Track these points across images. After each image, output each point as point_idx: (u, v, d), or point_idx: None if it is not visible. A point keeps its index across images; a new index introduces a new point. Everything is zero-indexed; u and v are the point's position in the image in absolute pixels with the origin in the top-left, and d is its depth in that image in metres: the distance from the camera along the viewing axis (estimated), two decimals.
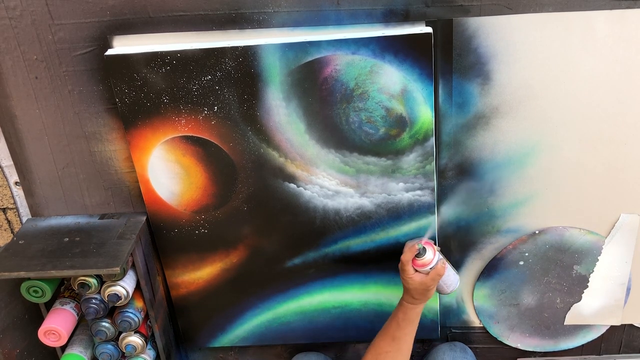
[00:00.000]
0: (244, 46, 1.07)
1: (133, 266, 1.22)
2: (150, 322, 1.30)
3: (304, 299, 1.34)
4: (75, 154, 1.22)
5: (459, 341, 1.43)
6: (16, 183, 1.26)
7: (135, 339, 1.27)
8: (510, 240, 1.27)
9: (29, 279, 1.14)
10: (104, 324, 1.24)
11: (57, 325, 1.18)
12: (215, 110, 1.13)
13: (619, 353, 1.42)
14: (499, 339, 1.40)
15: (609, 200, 1.22)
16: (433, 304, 1.33)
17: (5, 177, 1.26)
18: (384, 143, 1.15)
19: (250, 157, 1.17)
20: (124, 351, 1.27)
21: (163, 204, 1.23)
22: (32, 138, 1.20)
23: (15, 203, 1.29)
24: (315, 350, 1.45)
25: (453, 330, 1.41)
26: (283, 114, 1.13)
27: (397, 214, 1.22)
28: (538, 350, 1.41)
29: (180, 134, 1.16)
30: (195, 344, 1.43)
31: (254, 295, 1.34)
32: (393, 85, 1.09)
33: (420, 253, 1.11)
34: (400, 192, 1.20)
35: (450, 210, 1.25)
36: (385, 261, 1.28)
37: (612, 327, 1.37)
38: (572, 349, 1.41)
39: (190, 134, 1.16)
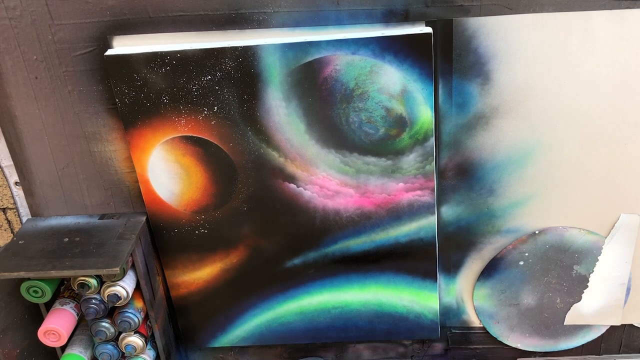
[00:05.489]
0: (244, 46, 1.07)
1: (133, 266, 1.22)
2: (150, 322, 1.30)
3: (304, 299, 1.34)
4: (75, 154, 1.22)
5: (459, 341, 1.43)
6: (16, 183, 1.26)
7: (135, 339, 1.26)
8: (510, 240, 1.27)
9: (29, 279, 1.14)
10: (103, 324, 1.24)
11: (57, 326, 1.18)
12: (215, 110, 1.13)
13: (619, 353, 1.42)
14: (499, 339, 1.40)
15: (609, 200, 1.22)
16: (433, 304, 1.33)
17: (5, 177, 1.26)
18: (384, 143, 1.15)
19: (250, 157, 1.17)
20: (124, 351, 1.27)
21: (163, 204, 1.23)
22: (32, 138, 1.20)
23: (15, 203, 1.29)
24: (314, 350, 1.45)
25: (453, 331, 1.41)
26: (283, 114, 1.13)
27: (397, 214, 1.22)
28: (538, 350, 1.41)
29: (180, 134, 1.16)
30: (195, 344, 1.43)
31: (254, 295, 1.34)
32: (393, 85, 1.09)
33: None
34: (400, 192, 1.20)
35: (450, 210, 1.25)
36: (385, 261, 1.28)
37: (612, 327, 1.37)
38: (572, 349, 1.41)
39: (190, 134, 1.16)
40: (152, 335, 1.32)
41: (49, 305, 1.24)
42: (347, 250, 1.27)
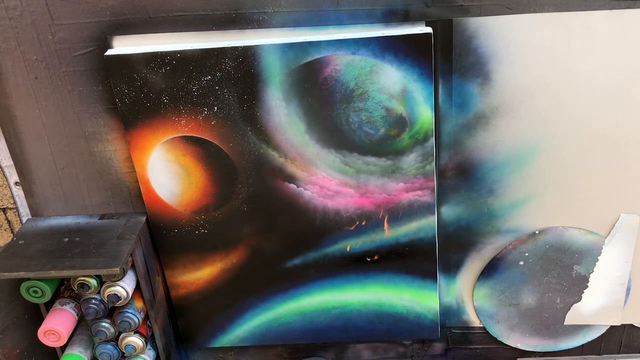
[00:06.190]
0: (244, 46, 1.07)
1: (133, 266, 1.21)
2: (150, 322, 1.30)
3: (304, 299, 1.34)
4: (75, 154, 1.22)
5: (459, 341, 1.43)
6: (16, 183, 1.26)
7: (135, 339, 1.26)
8: (510, 240, 1.27)
9: (28, 279, 1.14)
10: (103, 324, 1.24)
11: (57, 326, 1.18)
12: (215, 111, 1.13)
13: (619, 353, 1.42)
14: (499, 339, 1.40)
15: (609, 200, 1.22)
16: (433, 304, 1.33)
17: (5, 177, 1.26)
18: (384, 143, 1.15)
19: (250, 157, 1.17)
20: (124, 351, 1.27)
21: (163, 204, 1.23)
22: (32, 138, 1.20)
23: (15, 203, 1.29)
24: (314, 350, 1.45)
25: (453, 331, 1.41)
26: (283, 114, 1.13)
27: (397, 214, 1.22)
28: (538, 350, 1.41)
29: (180, 134, 1.16)
30: (195, 344, 1.43)
31: (254, 295, 1.34)
32: (393, 85, 1.09)
33: None
34: (400, 192, 1.20)
35: (450, 210, 1.25)
36: (385, 261, 1.28)
37: (612, 327, 1.37)
38: (572, 349, 1.41)
39: (190, 134, 1.16)
40: (152, 335, 1.32)
41: (49, 305, 1.24)
42: (347, 250, 1.27)
